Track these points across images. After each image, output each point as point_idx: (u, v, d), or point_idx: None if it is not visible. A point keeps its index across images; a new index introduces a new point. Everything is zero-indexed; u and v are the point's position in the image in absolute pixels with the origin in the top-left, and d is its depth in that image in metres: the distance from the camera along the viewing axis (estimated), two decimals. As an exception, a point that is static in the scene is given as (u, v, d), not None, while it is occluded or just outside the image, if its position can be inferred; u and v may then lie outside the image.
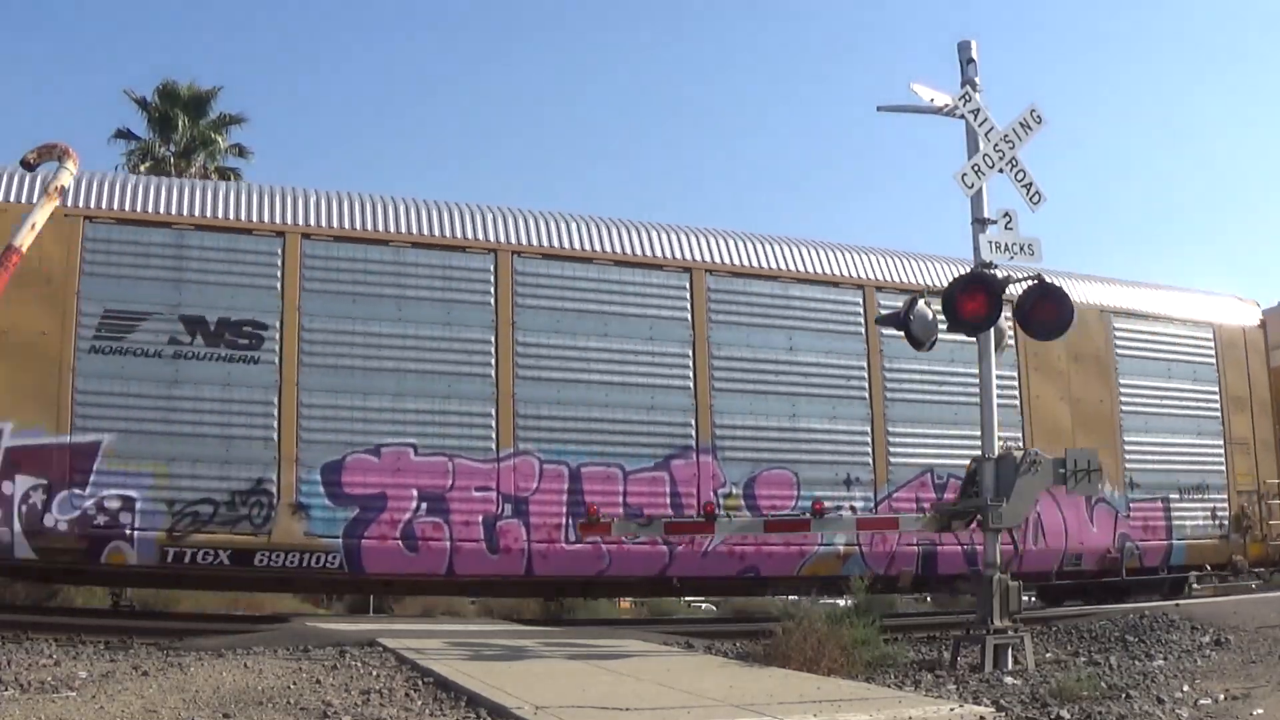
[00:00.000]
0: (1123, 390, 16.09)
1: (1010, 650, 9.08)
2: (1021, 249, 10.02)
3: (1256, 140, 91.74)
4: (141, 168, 29.12)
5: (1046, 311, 9.95)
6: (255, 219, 12.50)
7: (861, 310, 14.71)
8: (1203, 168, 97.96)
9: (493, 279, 13.17)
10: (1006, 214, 10.10)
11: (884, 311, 13.06)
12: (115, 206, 12.09)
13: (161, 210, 12.22)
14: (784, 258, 14.74)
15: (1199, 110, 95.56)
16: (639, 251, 13.96)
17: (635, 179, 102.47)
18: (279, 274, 12.39)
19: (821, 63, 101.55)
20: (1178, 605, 12.54)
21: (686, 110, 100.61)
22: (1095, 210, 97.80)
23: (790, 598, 16.69)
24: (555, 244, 13.62)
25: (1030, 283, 10.02)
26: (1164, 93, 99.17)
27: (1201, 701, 7.47)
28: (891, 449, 14.51)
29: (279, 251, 12.43)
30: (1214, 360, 16.90)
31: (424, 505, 12.40)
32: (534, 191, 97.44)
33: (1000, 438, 10.00)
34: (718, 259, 14.31)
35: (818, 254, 14.93)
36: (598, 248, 13.80)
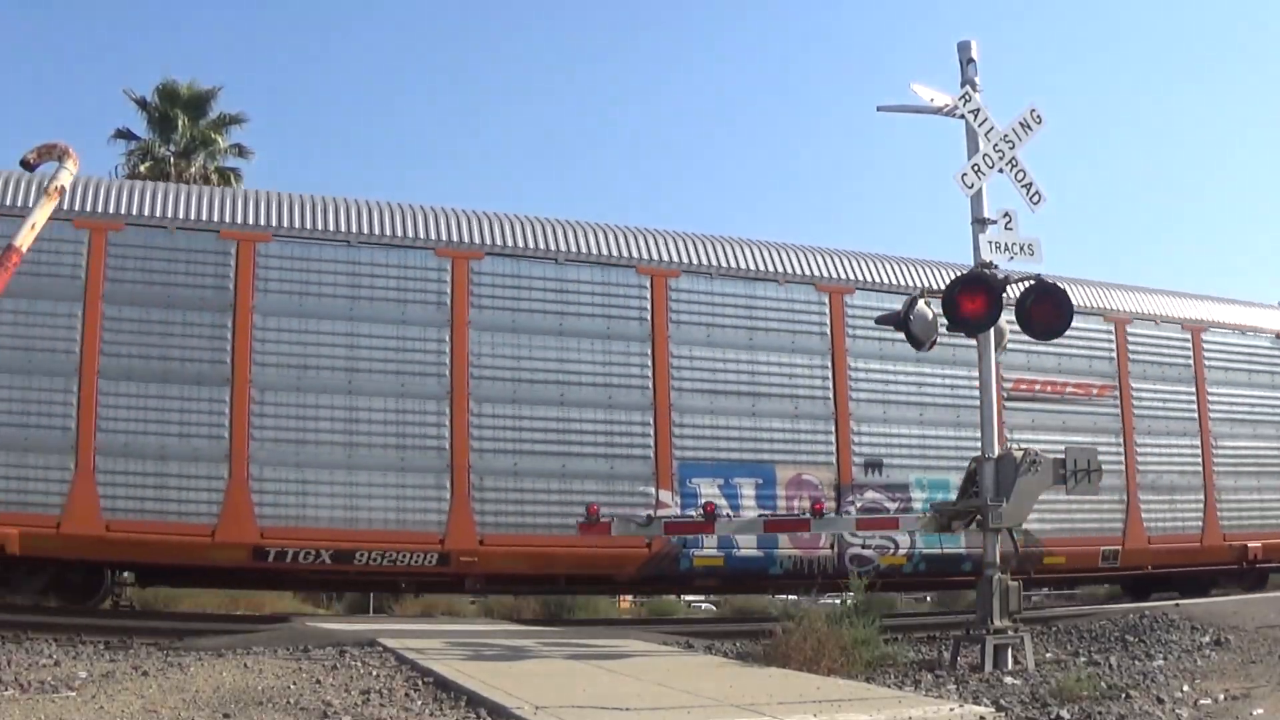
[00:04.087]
0: None
1: (1010, 650, 9.07)
2: (1021, 249, 10.02)
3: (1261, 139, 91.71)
4: (141, 168, 29.10)
5: (1045, 311, 9.94)
6: None
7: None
8: (1209, 167, 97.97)
9: None
10: (1006, 214, 10.09)
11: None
12: None
13: None
14: None
15: (1204, 110, 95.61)
16: None
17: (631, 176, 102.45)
18: None
19: (819, 62, 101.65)
20: (1178, 605, 12.54)
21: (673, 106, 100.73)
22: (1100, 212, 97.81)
23: (790, 597, 16.76)
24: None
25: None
26: (1164, 93, 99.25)
27: (1201, 701, 7.47)
28: None
29: None
30: None
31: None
32: (546, 192, 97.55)
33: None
34: None
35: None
36: None
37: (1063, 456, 9.71)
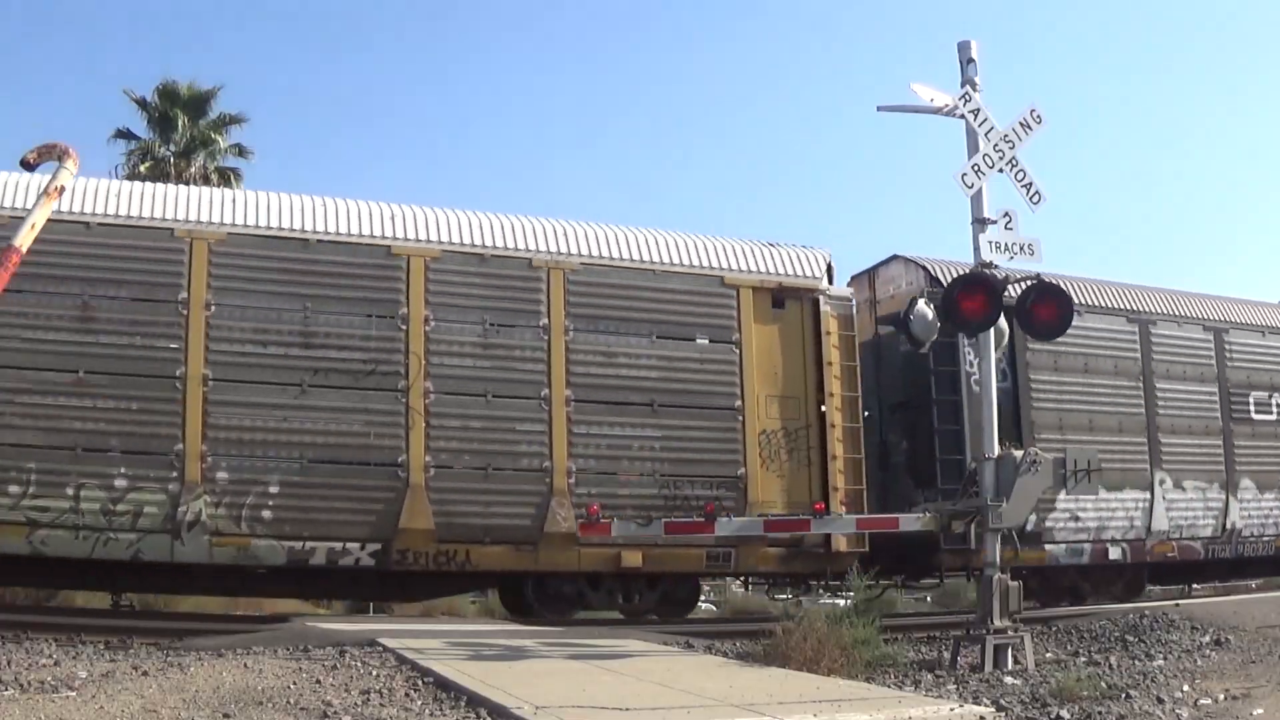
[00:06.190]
0: None
1: (1010, 650, 9.08)
2: (1021, 249, 10.03)
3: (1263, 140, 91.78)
4: (141, 168, 29.11)
5: (1046, 311, 9.95)
6: None
7: None
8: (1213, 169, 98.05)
9: None
10: (1006, 214, 10.10)
11: None
12: None
13: None
14: None
15: (1206, 111, 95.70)
16: None
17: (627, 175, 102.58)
18: None
19: (818, 61, 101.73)
20: (1178, 605, 12.55)
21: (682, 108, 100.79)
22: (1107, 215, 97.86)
23: (790, 598, 16.72)
24: None
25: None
26: (1167, 94, 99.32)
27: (1201, 701, 7.48)
28: None
29: None
30: None
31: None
32: (557, 192, 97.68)
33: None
34: None
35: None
36: None
37: (1063, 456, 9.74)
